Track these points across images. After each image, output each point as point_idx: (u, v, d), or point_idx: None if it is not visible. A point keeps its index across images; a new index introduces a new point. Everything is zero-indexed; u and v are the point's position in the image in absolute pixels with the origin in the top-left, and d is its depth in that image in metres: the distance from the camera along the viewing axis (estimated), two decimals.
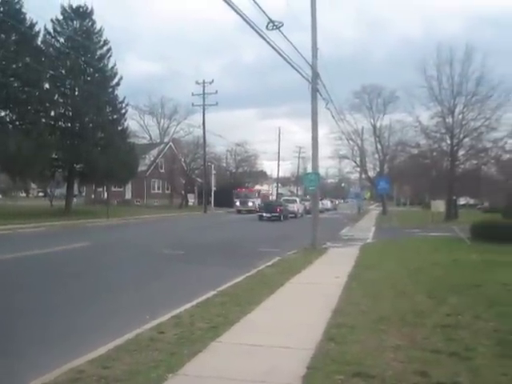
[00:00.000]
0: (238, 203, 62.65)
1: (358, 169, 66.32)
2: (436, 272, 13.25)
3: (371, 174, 65.97)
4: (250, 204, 61.54)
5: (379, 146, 63.21)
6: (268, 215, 44.57)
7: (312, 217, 22.62)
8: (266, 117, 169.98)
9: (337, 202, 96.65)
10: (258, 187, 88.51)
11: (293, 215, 49.81)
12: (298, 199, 59.94)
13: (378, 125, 62.28)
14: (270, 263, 15.47)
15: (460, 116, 42.42)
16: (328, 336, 7.04)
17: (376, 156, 64.66)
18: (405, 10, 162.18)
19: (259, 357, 6.27)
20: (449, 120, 42.58)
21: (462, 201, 65.82)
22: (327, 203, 77.35)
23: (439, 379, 5.37)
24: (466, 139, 42.89)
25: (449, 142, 43.22)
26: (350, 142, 61.04)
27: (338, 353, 6.25)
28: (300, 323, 7.97)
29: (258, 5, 14.69)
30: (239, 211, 60.75)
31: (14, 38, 34.59)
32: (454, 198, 47.09)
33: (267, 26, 16.49)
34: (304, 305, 9.51)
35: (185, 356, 6.18)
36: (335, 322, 7.88)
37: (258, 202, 62.59)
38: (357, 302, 9.33)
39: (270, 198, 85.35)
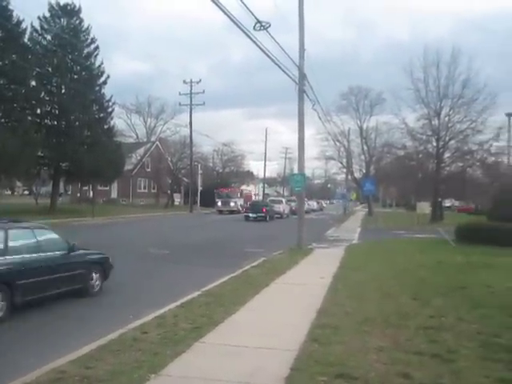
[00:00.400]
0: (219, 203, 59.87)
1: (345, 170, 66.40)
2: (421, 274, 13.33)
3: (357, 175, 66.06)
4: (232, 204, 59.78)
5: (365, 148, 63.32)
6: (254, 215, 44.56)
7: (298, 217, 22.65)
8: (253, 117, 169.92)
9: (323, 203, 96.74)
10: (244, 187, 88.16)
11: (279, 216, 49.76)
12: (284, 200, 59.52)
13: (364, 126, 62.40)
14: (255, 263, 15.49)
15: (446, 118, 42.59)
16: (312, 337, 7.05)
17: (362, 157, 64.73)
18: (392, 13, 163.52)
19: (243, 358, 6.27)
20: (435, 122, 42.75)
21: (447, 203, 66.20)
22: (313, 204, 77.35)
23: (422, 381, 5.41)
24: (452, 141, 43.09)
25: (435, 144, 43.38)
26: (337, 143, 61.09)
27: (321, 354, 6.27)
28: (284, 324, 7.98)
29: (245, 5, 14.71)
30: (220, 211, 58.24)
31: (0, 35, 34.23)
32: (440, 199, 47.36)
33: (254, 27, 16.47)
34: (289, 305, 9.52)
35: (168, 356, 6.16)
36: (319, 322, 7.89)
37: (240, 202, 61.70)
38: (341, 303, 9.36)
39: (254, 197, 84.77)
